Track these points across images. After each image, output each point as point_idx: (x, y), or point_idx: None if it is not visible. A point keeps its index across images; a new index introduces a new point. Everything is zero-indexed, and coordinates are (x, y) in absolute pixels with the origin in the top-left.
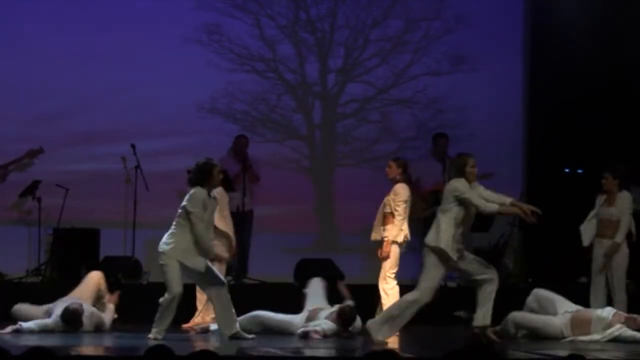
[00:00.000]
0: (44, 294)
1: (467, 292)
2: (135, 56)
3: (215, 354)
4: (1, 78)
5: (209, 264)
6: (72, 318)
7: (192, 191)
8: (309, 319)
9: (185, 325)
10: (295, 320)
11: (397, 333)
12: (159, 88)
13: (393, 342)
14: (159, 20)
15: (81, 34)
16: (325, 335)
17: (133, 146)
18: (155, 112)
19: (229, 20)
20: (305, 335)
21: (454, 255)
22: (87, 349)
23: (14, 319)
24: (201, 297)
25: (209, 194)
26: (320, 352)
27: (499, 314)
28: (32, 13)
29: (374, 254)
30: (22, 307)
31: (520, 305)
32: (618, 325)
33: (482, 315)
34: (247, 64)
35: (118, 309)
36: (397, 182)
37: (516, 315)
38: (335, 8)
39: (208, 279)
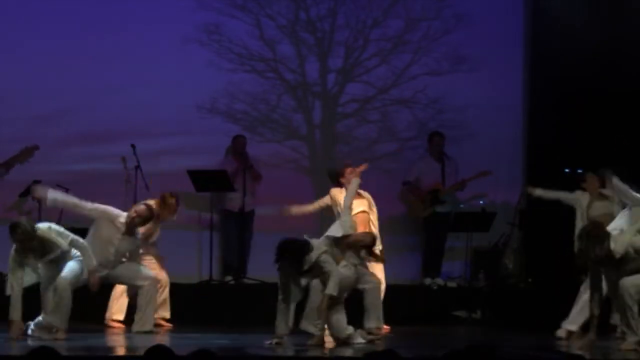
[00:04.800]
0: None
1: (467, 292)
2: (136, 56)
3: (215, 354)
4: (1, 78)
5: None
6: None
7: None
8: None
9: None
10: None
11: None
12: (159, 88)
13: (393, 342)
14: (159, 20)
15: (81, 34)
16: None
17: (133, 146)
18: (155, 112)
19: (229, 20)
20: None
21: None
22: (88, 349)
23: None
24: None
25: None
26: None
27: (499, 314)
28: (33, 13)
29: None
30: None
31: (519, 305)
32: None
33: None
34: (247, 64)
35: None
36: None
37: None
38: (335, 8)
39: None
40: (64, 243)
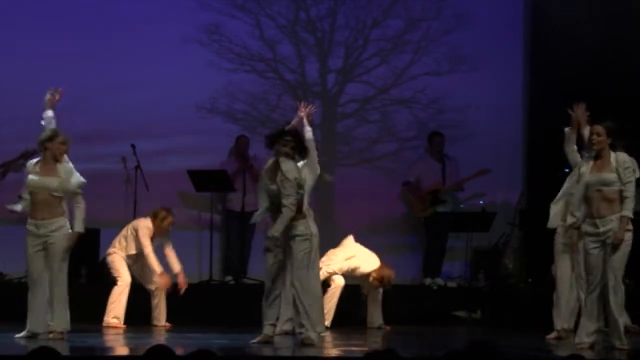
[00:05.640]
0: None
1: (467, 292)
2: (135, 56)
3: (215, 354)
4: (1, 78)
5: None
6: None
7: None
8: None
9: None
10: None
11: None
12: (159, 88)
13: (393, 342)
14: (159, 20)
15: (81, 34)
16: None
17: (133, 146)
18: (155, 112)
19: (229, 20)
20: None
21: None
22: (88, 349)
23: None
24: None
25: None
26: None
27: (499, 314)
28: (33, 13)
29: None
30: None
31: (519, 305)
32: None
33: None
34: (247, 64)
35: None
36: None
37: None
38: (335, 8)
39: None
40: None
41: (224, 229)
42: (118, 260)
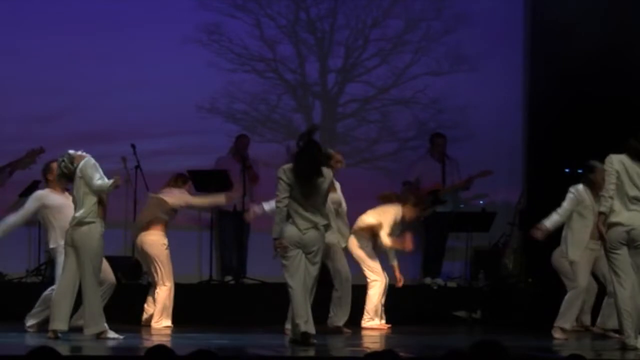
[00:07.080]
0: None
1: (467, 292)
2: (135, 56)
3: (215, 354)
4: (1, 78)
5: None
6: None
7: None
8: None
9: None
10: None
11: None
12: (159, 88)
13: (393, 342)
14: (159, 20)
15: (81, 34)
16: None
17: (133, 146)
18: (155, 112)
19: (229, 20)
20: None
21: None
22: (88, 349)
23: None
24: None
25: None
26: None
27: (499, 314)
28: (33, 13)
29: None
30: None
31: (519, 305)
32: None
33: None
34: (247, 64)
35: (118, 309)
36: None
37: None
38: (335, 8)
39: None
40: None
41: (218, 229)
42: (168, 257)
